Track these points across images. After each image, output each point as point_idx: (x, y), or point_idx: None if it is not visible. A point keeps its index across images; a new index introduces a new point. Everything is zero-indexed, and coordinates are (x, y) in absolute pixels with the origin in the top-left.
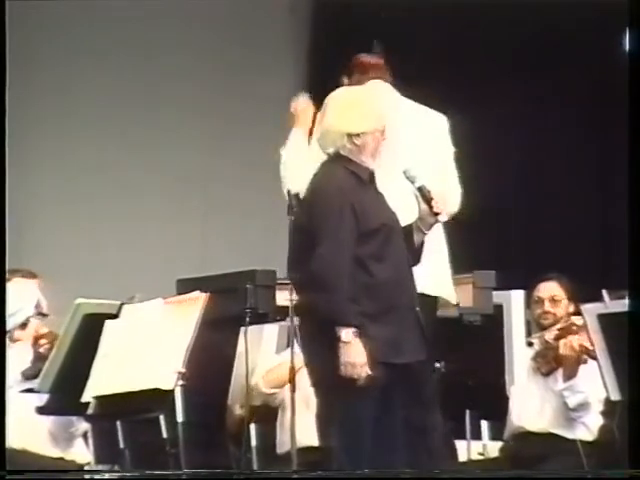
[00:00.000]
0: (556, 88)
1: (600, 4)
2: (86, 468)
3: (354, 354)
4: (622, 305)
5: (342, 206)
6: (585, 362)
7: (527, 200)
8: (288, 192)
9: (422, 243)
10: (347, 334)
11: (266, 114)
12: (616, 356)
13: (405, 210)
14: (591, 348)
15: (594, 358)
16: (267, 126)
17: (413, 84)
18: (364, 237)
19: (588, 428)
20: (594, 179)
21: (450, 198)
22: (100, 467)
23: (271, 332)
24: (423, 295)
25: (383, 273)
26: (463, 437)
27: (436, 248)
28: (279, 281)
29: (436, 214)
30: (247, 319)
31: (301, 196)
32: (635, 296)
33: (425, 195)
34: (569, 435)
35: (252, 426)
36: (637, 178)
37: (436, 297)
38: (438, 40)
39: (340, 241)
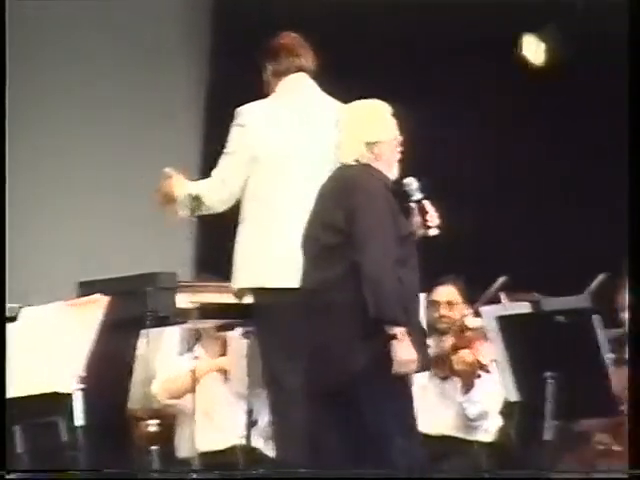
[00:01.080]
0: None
1: None
2: None
3: (407, 351)
4: (521, 307)
5: (387, 209)
6: (479, 377)
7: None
8: (189, 194)
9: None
10: (401, 333)
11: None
12: (514, 357)
13: None
14: (484, 362)
15: (488, 372)
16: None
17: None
18: (398, 242)
19: (487, 430)
20: (493, 177)
21: None
22: None
23: (172, 335)
24: None
25: (407, 278)
26: None
27: None
28: (180, 283)
29: (428, 227)
30: (148, 322)
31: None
32: (635, 296)
33: (422, 208)
34: (468, 437)
35: (152, 429)
36: (637, 178)
37: None
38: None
39: (388, 243)
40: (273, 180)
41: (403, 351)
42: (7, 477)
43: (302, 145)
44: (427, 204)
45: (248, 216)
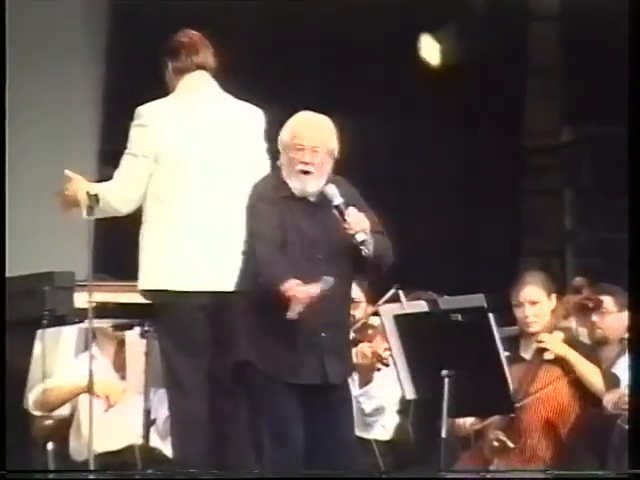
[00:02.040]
0: None
1: None
2: None
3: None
4: (418, 306)
5: (265, 213)
6: (379, 370)
7: None
8: (87, 192)
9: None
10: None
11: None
12: (411, 355)
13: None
14: (385, 355)
15: (387, 365)
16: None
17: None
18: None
19: (384, 427)
20: (394, 176)
21: None
22: None
23: (69, 334)
24: None
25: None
26: None
27: None
28: (78, 283)
29: (351, 233)
30: (44, 321)
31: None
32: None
33: (341, 214)
34: (365, 435)
35: (49, 430)
36: (637, 178)
37: None
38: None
39: (266, 245)
40: (173, 180)
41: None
42: (7, 477)
43: (202, 144)
44: (351, 210)
45: (150, 217)
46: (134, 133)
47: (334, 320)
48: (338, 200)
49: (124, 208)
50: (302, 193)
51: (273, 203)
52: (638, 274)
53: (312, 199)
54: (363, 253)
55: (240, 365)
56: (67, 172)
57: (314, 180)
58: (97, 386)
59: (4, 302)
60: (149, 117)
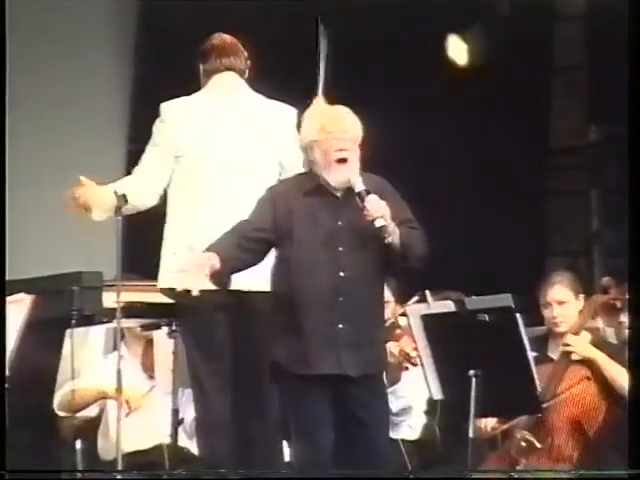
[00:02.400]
0: None
1: None
2: None
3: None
4: (444, 306)
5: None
6: (407, 369)
7: None
8: (115, 192)
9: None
10: None
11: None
12: (439, 355)
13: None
14: (413, 354)
15: (415, 365)
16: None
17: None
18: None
19: (411, 427)
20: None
21: None
22: None
23: (97, 334)
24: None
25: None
26: None
27: None
28: (106, 282)
29: (371, 220)
30: (73, 321)
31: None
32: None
33: (362, 201)
34: (392, 435)
35: (77, 429)
36: (637, 177)
37: None
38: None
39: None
40: (195, 179)
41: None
42: (7, 477)
43: (225, 143)
44: (371, 197)
45: (172, 215)
46: (156, 128)
47: (350, 313)
48: (360, 187)
49: (143, 204)
50: (341, 185)
51: (290, 200)
52: (638, 275)
53: (338, 194)
54: (386, 242)
55: (271, 365)
56: (82, 178)
57: (350, 169)
58: (117, 391)
59: (4, 301)
60: (169, 113)
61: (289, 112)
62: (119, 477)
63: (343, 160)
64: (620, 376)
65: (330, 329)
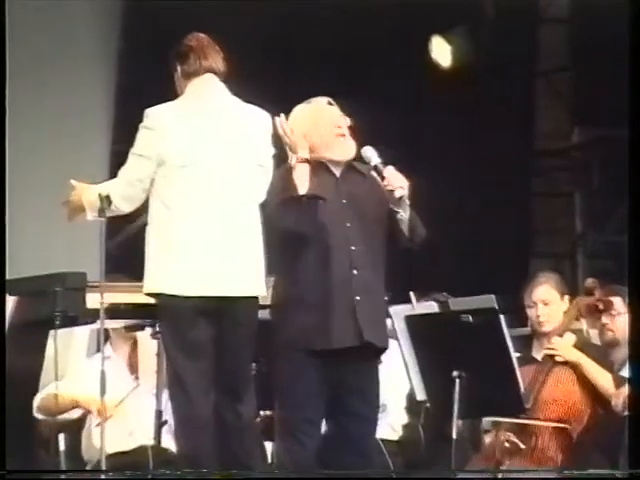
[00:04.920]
0: None
1: None
2: None
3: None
4: (428, 307)
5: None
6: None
7: None
8: (99, 194)
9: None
10: None
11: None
12: (422, 356)
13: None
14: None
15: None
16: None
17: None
18: None
19: (392, 428)
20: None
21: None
22: None
23: (81, 335)
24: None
25: None
26: None
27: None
28: (89, 283)
29: (390, 191)
30: (57, 322)
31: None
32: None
33: (380, 174)
34: None
35: (60, 430)
36: (637, 176)
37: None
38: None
39: None
40: (178, 184)
41: None
42: (7, 477)
43: (208, 149)
44: (389, 168)
45: (155, 219)
46: (140, 134)
47: (365, 285)
48: (376, 160)
49: (126, 207)
50: (345, 157)
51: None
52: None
53: (337, 173)
54: (399, 216)
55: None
56: (72, 182)
57: (352, 143)
58: (88, 400)
59: (4, 300)
60: (156, 120)
61: (264, 116)
62: (119, 477)
63: (342, 135)
64: (604, 378)
65: (348, 302)
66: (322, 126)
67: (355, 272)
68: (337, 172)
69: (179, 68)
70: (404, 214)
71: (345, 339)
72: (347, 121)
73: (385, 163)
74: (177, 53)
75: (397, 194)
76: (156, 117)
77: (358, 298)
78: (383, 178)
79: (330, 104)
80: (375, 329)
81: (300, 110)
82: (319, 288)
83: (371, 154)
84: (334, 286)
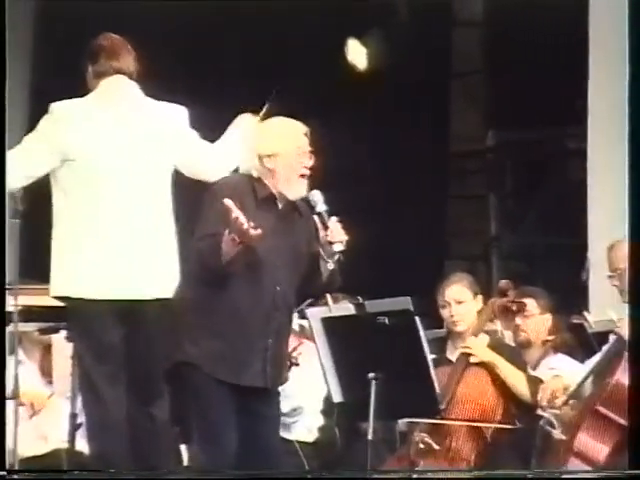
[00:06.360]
0: None
1: None
2: None
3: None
4: (345, 309)
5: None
6: (289, 368)
7: None
8: (10, 194)
9: (322, 268)
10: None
11: None
12: (339, 358)
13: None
14: (293, 355)
15: (297, 365)
16: None
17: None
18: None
19: (308, 429)
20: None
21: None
22: None
23: None
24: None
25: None
26: None
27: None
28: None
29: (330, 243)
30: None
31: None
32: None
33: (324, 223)
34: (286, 435)
35: None
36: (637, 175)
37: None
38: None
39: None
40: (84, 182)
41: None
42: (7, 477)
43: (115, 146)
44: (331, 219)
45: (59, 219)
46: (44, 122)
47: (279, 327)
48: (322, 207)
49: (12, 184)
50: (297, 198)
51: (244, 205)
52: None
53: (280, 205)
54: (329, 266)
55: (179, 366)
56: None
57: (305, 184)
58: (21, 393)
59: (4, 301)
60: (62, 114)
61: (180, 111)
62: (120, 477)
63: (304, 176)
64: (517, 379)
65: (262, 342)
66: (294, 160)
67: (276, 313)
68: (281, 204)
69: (90, 68)
70: (331, 265)
71: (253, 380)
72: (312, 161)
73: (329, 212)
74: (88, 53)
75: (335, 248)
76: (62, 111)
77: (270, 341)
78: (326, 228)
79: (305, 135)
80: (279, 372)
81: (286, 128)
82: (237, 321)
83: (318, 199)
84: (253, 324)
